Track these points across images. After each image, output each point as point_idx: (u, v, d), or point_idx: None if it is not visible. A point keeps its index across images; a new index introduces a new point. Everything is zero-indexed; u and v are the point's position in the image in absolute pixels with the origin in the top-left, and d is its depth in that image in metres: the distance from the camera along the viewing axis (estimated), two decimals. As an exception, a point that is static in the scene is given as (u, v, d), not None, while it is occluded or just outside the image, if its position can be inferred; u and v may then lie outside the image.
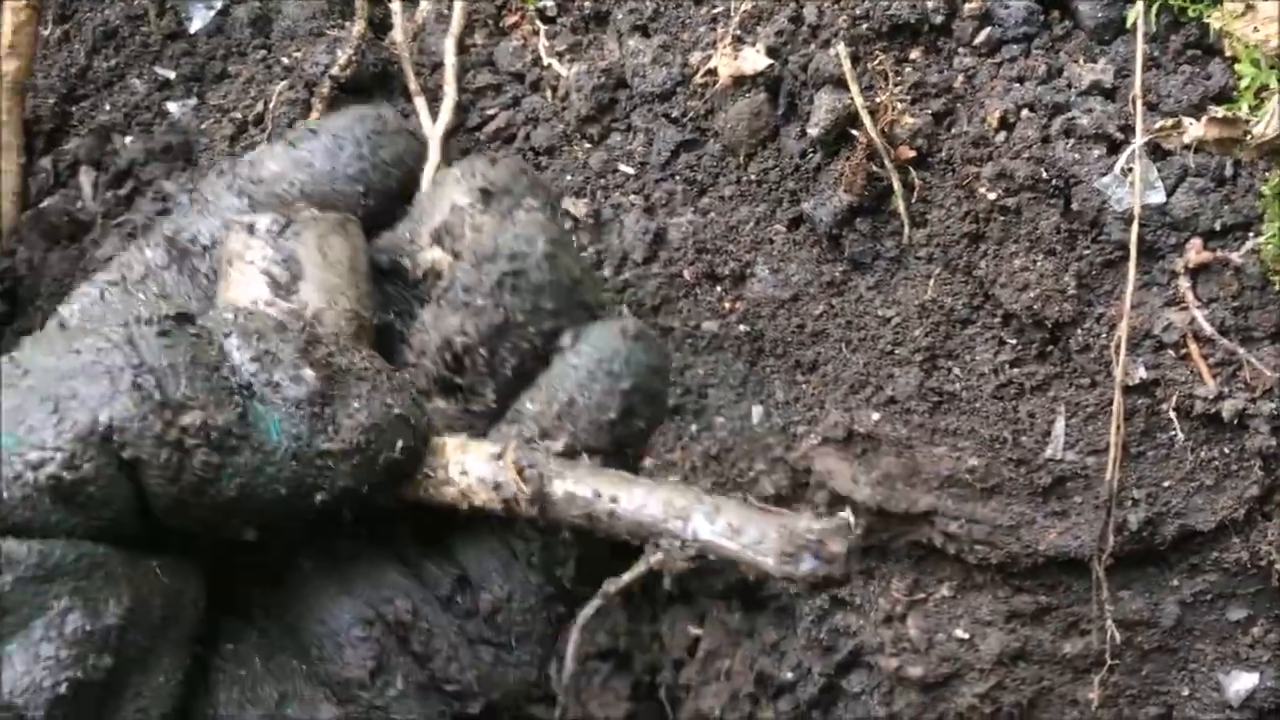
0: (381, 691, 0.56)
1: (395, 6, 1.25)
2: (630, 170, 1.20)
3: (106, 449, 0.47)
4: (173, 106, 1.30)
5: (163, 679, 0.51)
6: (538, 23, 1.25)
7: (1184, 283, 1.05)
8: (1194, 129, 1.02)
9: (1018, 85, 1.08)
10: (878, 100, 1.09)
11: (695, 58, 1.17)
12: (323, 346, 0.52)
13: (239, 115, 1.27)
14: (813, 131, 1.12)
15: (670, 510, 0.51)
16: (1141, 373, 1.07)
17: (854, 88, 1.09)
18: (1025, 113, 1.07)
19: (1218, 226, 1.04)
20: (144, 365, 0.48)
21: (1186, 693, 1.17)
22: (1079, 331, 1.09)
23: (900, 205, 1.11)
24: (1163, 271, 1.06)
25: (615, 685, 1.36)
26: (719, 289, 1.19)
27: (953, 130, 1.10)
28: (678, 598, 1.31)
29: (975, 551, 1.15)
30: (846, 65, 1.08)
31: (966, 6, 1.10)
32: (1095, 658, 1.15)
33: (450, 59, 1.24)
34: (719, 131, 1.16)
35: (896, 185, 1.11)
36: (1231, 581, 1.13)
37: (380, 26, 1.29)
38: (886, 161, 1.10)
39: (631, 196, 1.20)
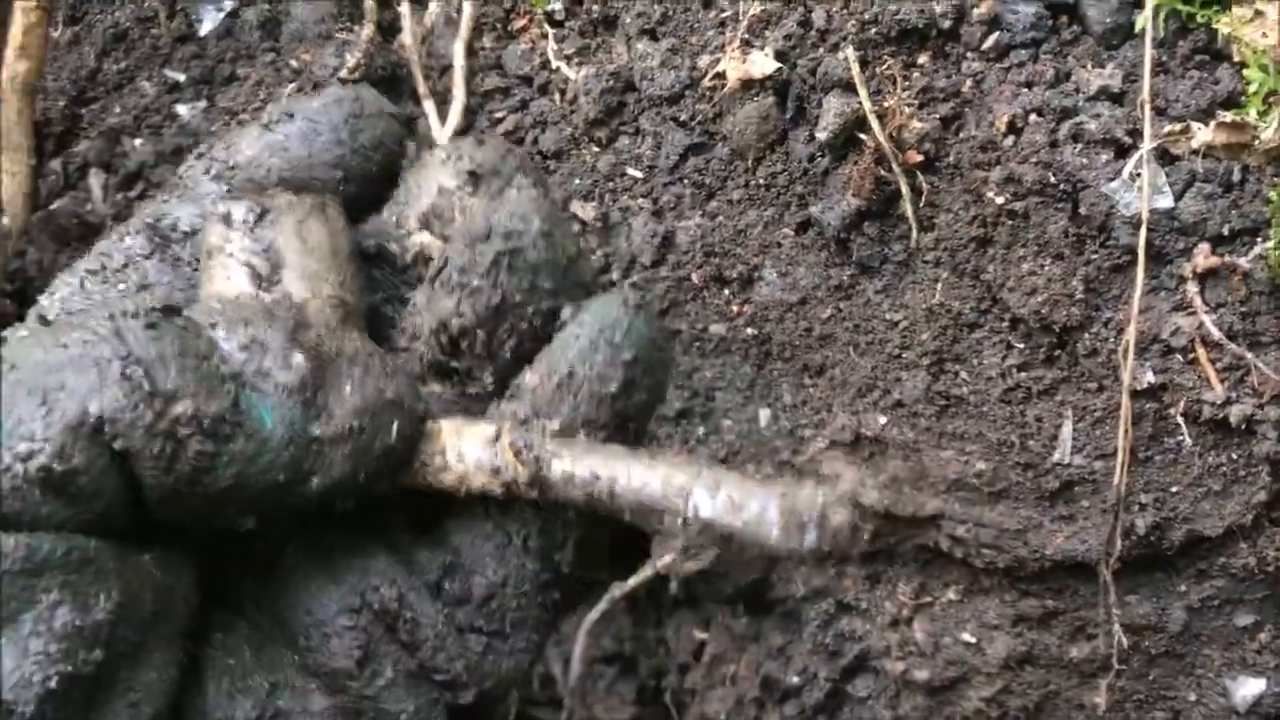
0: (370, 681, 0.56)
1: (404, 10, 1.26)
2: (638, 173, 1.21)
3: (97, 440, 0.46)
4: (182, 109, 1.30)
5: (154, 673, 0.50)
6: (546, 26, 1.25)
7: (1192, 287, 1.05)
8: (1202, 134, 1.03)
9: (1026, 90, 1.08)
10: (886, 104, 1.09)
11: (703, 61, 1.17)
12: (311, 332, 0.52)
13: (248, 118, 1.27)
14: (821, 135, 1.12)
15: (670, 488, 0.50)
16: (1149, 377, 1.07)
17: (862, 92, 1.09)
18: (1033, 117, 1.07)
19: (1226, 231, 1.04)
20: (131, 356, 0.47)
21: (1193, 698, 1.17)
22: (1087, 336, 1.09)
23: (908, 209, 1.12)
24: (1170, 276, 1.06)
25: (621, 689, 1.36)
26: (727, 292, 1.19)
27: (961, 135, 1.10)
28: (683, 602, 1.31)
29: (982, 555, 1.15)
30: (855, 69, 1.09)
31: (975, 11, 1.10)
32: (1102, 662, 1.15)
33: (459, 62, 1.25)
34: (727, 135, 1.17)
35: (904, 189, 1.11)
36: (1239, 587, 1.13)
37: (389, 30, 1.29)
38: (894, 166, 1.10)
39: (640, 200, 1.20)
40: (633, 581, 1.22)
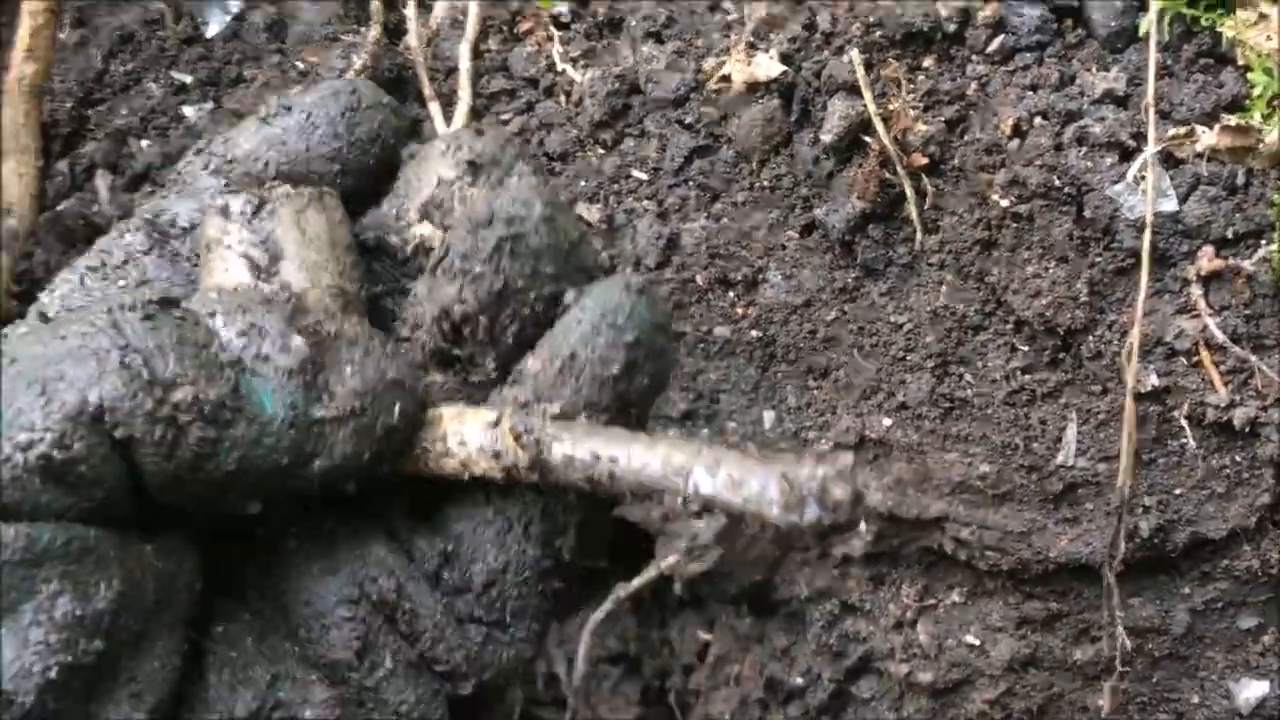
0: (370, 672, 0.55)
1: (410, 12, 1.26)
2: (643, 176, 1.21)
3: (97, 428, 0.47)
4: (189, 110, 1.30)
5: (157, 662, 0.50)
6: (552, 29, 1.26)
7: (1196, 290, 1.05)
8: (1206, 137, 1.03)
9: (1030, 93, 1.09)
10: (891, 107, 1.10)
11: (709, 64, 1.17)
12: (310, 316, 0.52)
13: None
14: (826, 138, 1.12)
15: (670, 467, 0.50)
16: (1153, 380, 1.07)
17: (867, 95, 1.09)
18: (1038, 120, 1.07)
19: (1230, 234, 1.04)
20: (129, 346, 0.47)
21: (1196, 700, 1.17)
22: (1091, 338, 1.09)
23: (913, 212, 1.12)
24: (1175, 279, 1.06)
25: (625, 690, 1.36)
26: (731, 294, 1.19)
27: (965, 137, 1.10)
28: (688, 603, 1.32)
29: (986, 558, 1.15)
30: (860, 72, 1.09)
31: (980, 15, 1.10)
32: (1106, 665, 1.15)
33: (465, 64, 1.25)
34: (732, 137, 1.17)
35: (909, 192, 1.11)
36: (1242, 589, 1.13)
37: (395, 32, 1.30)
38: (899, 168, 1.10)
39: (645, 202, 1.21)
40: (637, 582, 1.22)
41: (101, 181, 1.30)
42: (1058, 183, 1.06)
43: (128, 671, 0.49)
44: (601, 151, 1.23)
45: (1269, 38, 1.02)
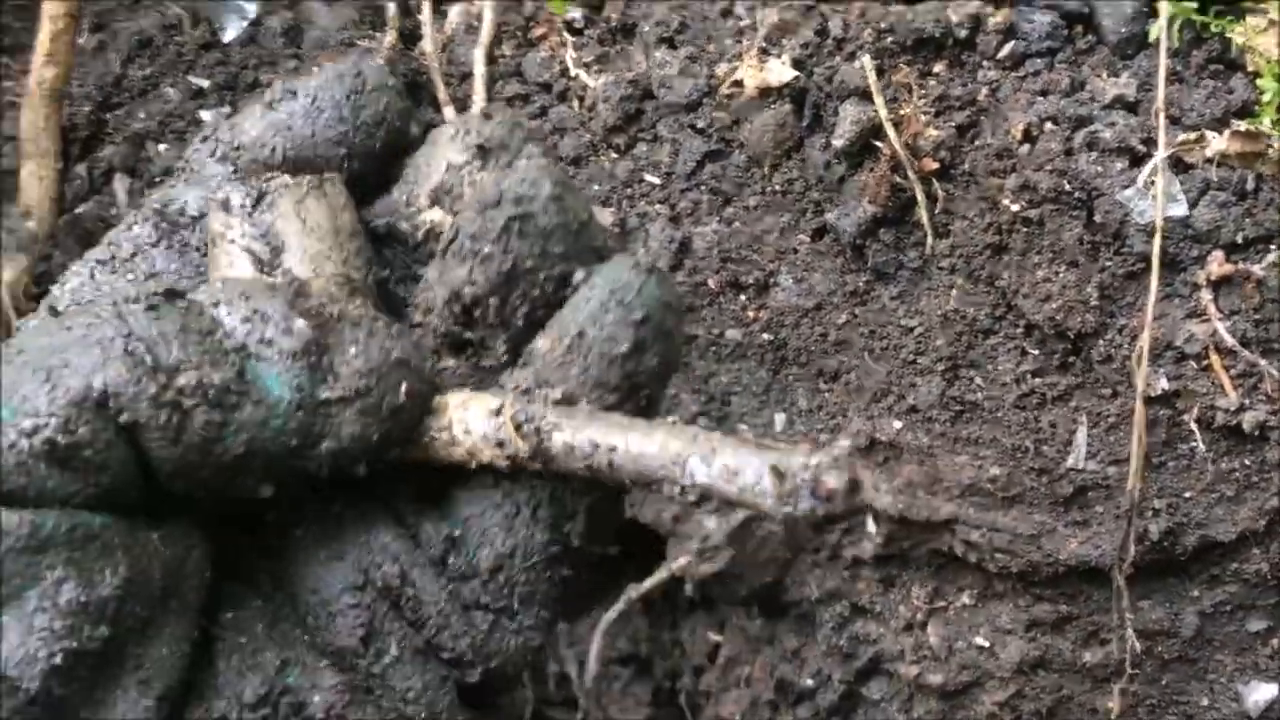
0: (377, 659, 0.55)
1: (425, 17, 1.27)
2: (656, 180, 1.22)
3: (102, 414, 0.47)
4: (206, 115, 1.31)
5: (165, 649, 0.50)
6: (565, 34, 1.27)
7: (1206, 295, 1.05)
8: (1216, 143, 1.04)
9: (1041, 98, 1.09)
10: (902, 112, 1.10)
11: (721, 69, 1.18)
12: (312, 300, 0.52)
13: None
14: (837, 143, 1.13)
15: (666, 456, 0.50)
16: (1163, 384, 1.07)
17: (879, 100, 1.10)
18: (1048, 125, 1.08)
19: (1239, 239, 1.04)
20: (134, 335, 0.48)
21: (1206, 703, 1.17)
22: (1101, 342, 1.10)
23: (923, 216, 1.13)
24: (1185, 283, 1.07)
25: (636, 691, 1.37)
26: (743, 298, 1.20)
27: (976, 142, 1.11)
28: (698, 604, 1.32)
29: (996, 560, 1.16)
30: (871, 77, 1.10)
31: (990, 21, 1.11)
32: (1115, 667, 1.16)
33: (479, 69, 1.26)
34: (744, 142, 1.18)
35: (920, 196, 1.12)
36: (1251, 593, 1.14)
37: (410, 37, 1.31)
38: (910, 173, 1.11)
39: (657, 206, 1.22)
40: (649, 583, 1.23)
41: (120, 185, 1.31)
42: (1068, 187, 1.07)
43: (135, 658, 0.49)
44: (614, 156, 1.23)
45: (1279, 44, 1.03)
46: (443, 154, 0.60)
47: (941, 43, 1.12)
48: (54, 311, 0.56)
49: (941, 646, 1.21)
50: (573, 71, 1.25)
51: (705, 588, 1.27)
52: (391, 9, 1.30)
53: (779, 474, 0.47)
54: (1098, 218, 1.07)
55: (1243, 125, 1.03)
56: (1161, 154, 1.03)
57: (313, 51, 1.33)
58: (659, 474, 0.50)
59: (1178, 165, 1.05)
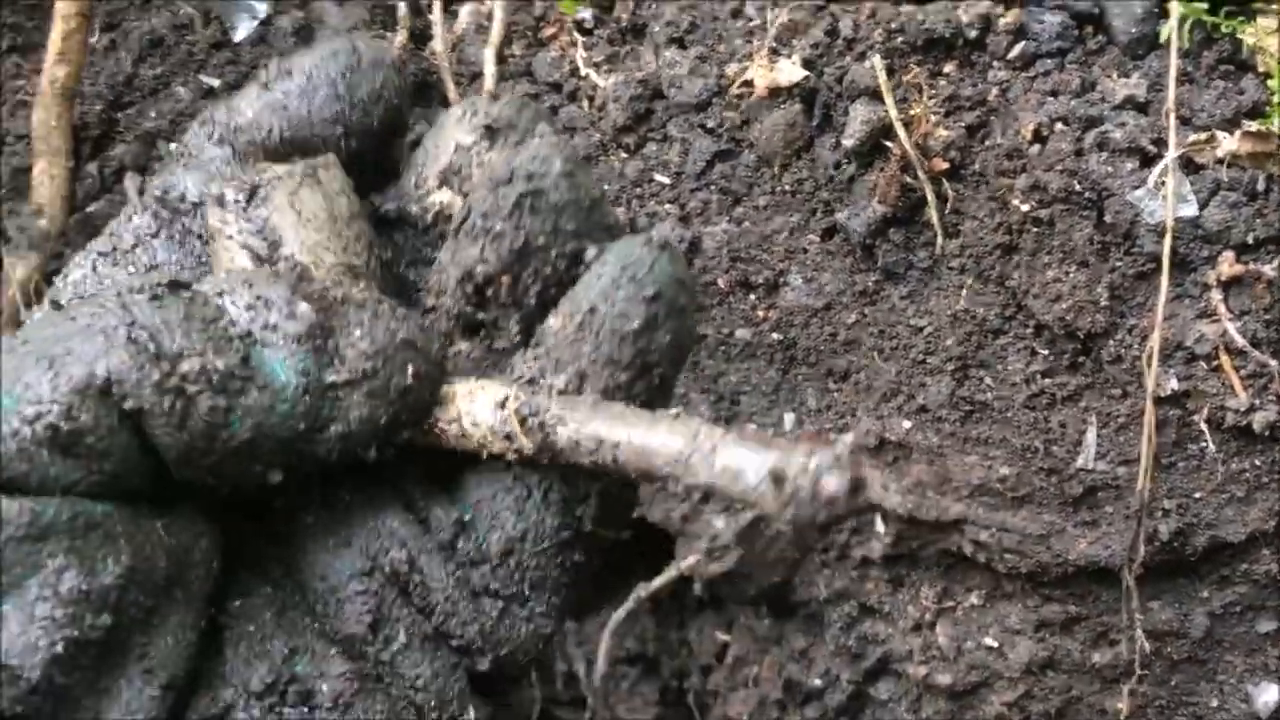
0: (385, 646, 0.55)
1: (435, 17, 1.28)
2: (666, 180, 1.22)
3: (105, 401, 0.47)
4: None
5: (171, 639, 0.50)
6: (575, 34, 1.27)
7: (1216, 295, 1.05)
8: (1227, 143, 1.04)
9: (1051, 99, 1.09)
10: (912, 112, 1.10)
11: (731, 69, 1.18)
12: (315, 283, 0.52)
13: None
14: (847, 143, 1.13)
15: (669, 454, 0.49)
16: (1173, 384, 1.07)
17: (889, 100, 1.10)
18: (1059, 126, 1.08)
19: (1250, 240, 1.04)
20: (137, 323, 0.48)
21: (1215, 704, 1.17)
22: (1111, 342, 1.10)
23: (933, 216, 1.13)
24: (1195, 284, 1.07)
25: (643, 690, 1.37)
26: (753, 297, 1.20)
27: (986, 143, 1.11)
28: (706, 604, 1.32)
29: (1005, 560, 1.16)
30: (882, 77, 1.10)
31: (1001, 21, 1.11)
32: (1124, 668, 1.16)
33: (489, 69, 1.26)
34: (754, 142, 1.18)
35: (930, 196, 1.12)
36: (1261, 594, 1.14)
37: (420, 37, 1.31)
38: (920, 173, 1.11)
39: (667, 205, 1.22)
40: (657, 582, 1.22)
41: (131, 183, 1.32)
42: (1078, 188, 1.07)
43: (140, 648, 0.49)
44: (624, 156, 1.24)
45: (1290, 44, 1.03)
46: (451, 135, 0.60)
47: (952, 43, 1.12)
48: (56, 305, 0.56)
49: (950, 647, 1.21)
50: (583, 71, 1.25)
51: (713, 587, 1.27)
52: (402, 8, 1.30)
53: (778, 478, 0.46)
54: (1108, 218, 1.07)
55: (1254, 126, 1.03)
56: (1172, 154, 1.03)
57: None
58: (662, 471, 0.50)
59: (1188, 166, 1.05)
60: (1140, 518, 1.09)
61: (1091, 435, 1.12)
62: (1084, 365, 1.12)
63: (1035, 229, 1.09)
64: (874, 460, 1.19)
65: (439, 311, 0.57)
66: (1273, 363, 1.04)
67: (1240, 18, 1.06)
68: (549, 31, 1.29)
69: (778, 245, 1.19)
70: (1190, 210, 1.05)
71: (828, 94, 1.15)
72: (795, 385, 1.22)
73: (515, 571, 0.56)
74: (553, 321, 0.55)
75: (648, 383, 0.54)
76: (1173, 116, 1.04)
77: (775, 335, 1.20)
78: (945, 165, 1.11)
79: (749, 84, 1.16)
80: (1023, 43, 1.11)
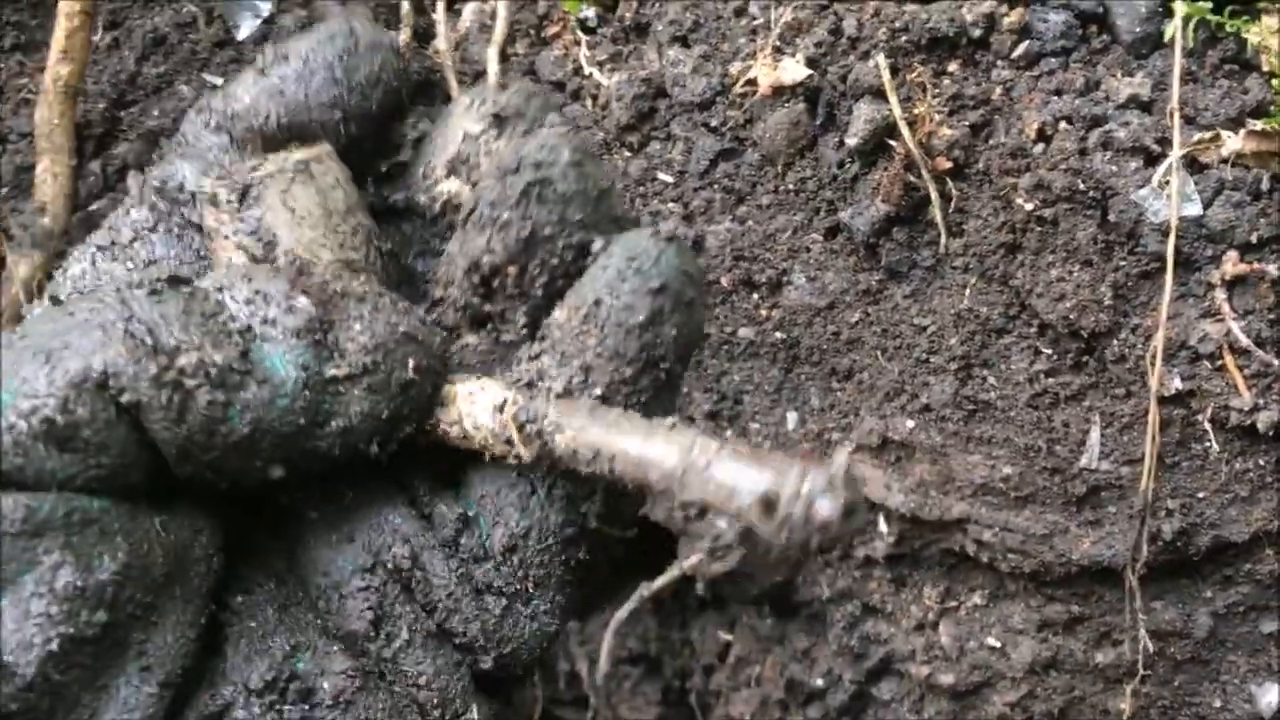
0: (388, 643, 0.55)
1: (439, 16, 1.27)
2: (669, 178, 1.22)
3: (102, 395, 0.47)
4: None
5: (170, 636, 0.50)
6: (579, 33, 1.27)
7: (1220, 294, 1.05)
8: (1231, 142, 1.03)
9: (1055, 98, 1.09)
10: (916, 111, 1.10)
11: (735, 68, 1.18)
12: (315, 276, 0.51)
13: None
14: (851, 141, 1.13)
15: (663, 470, 0.49)
16: (1177, 383, 1.07)
17: (892, 99, 1.10)
18: (1063, 125, 1.08)
19: (1254, 239, 1.04)
20: (135, 318, 0.48)
21: (1218, 704, 1.17)
22: (1115, 342, 1.09)
23: (937, 215, 1.13)
24: (1199, 283, 1.07)
25: (646, 690, 1.37)
26: (756, 296, 1.20)
27: (990, 142, 1.11)
28: (709, 603, 1.32)
29: (1008, 560, 1.16)
30: (886, 76, 1.10)
31: (1005, 20, 1.11)
32: (1127, 668, 1.16)
33: (492, 68, 1.26)
34: (757, 141, 1.18)
35: (934, 195, 1.12)
36: (1264, 594, 1.14)
37: (424, 35, 1.31)
38: (924, 172, 1.11)
39: (670, 204, 1.22)
40: (660, 581, 1.23)
41: (134, 182, 1.31)
42: (1082, 187, 1.06)
43: (138, 645, 0.49)
44: (628, 154, 1.24)
45: (1294, 44, 1.03)
46: (459, 124, 0.59)
47: (956, 42, 1.12)
48: (55, 300, 0.56)
49: (953, 646, 1.21)
50: (586, 70, 1.25)
51: (716, 587, 1.27)
52: (406, 7, 1.30)
53: (769, 504, 0.46)
54: (1112, 217, 1.07)
55: (1258, 125, 1.03)
56: (1176, 153, 1.03)
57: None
58: (658, 486, 0.49)
59: (1192, 165, 1.05)
60: (1144, 517, 1.09)
61: (1095, 435, 1.12)
62: (1087, 365, 1.12)
63: (1039, 228, 1.09)
64: (876, 460, 1.19)
65: (446, 303, 0.57)
66: (1277, 362, 1.04)
67: (1244, 17, 1.06)
68: (552, 30, 1.29)
69: (781, 244, 1.19)
70: (1194, 209, 1.05)
71: (831, 93, 1.15)
72: (798, 384, 1.22)
73: (519, 569, 0.56)
74: (558, 314, 0.54)
75: (654, 377, 0.54)
76: (1177, 116, 1.04)
77: (778, 334, 1.20)
78: (949, 164, 1.11)
79: (753, 83, 1.16)
80: (1027, 42, 1.11)
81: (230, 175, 0.55)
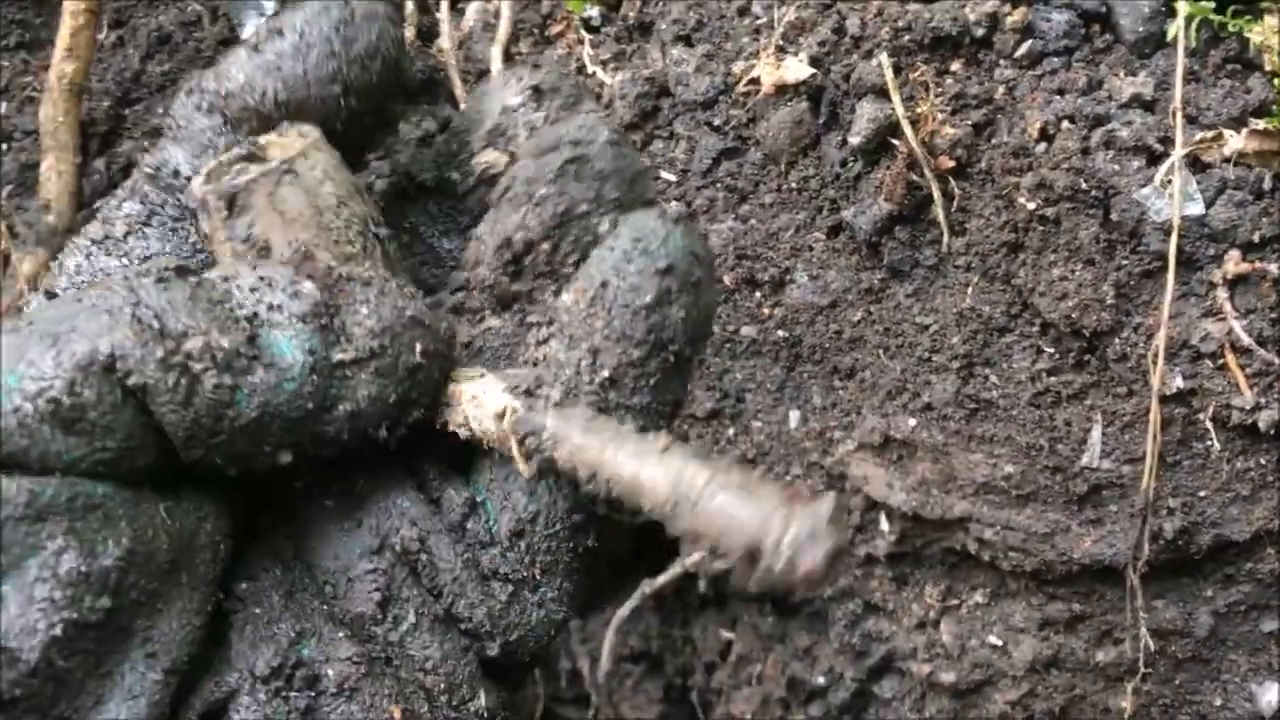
0: (394, 626, 0.54)
1: (443, 15, 1.28)
2: (672, 177, 1.22)
3: (108, 377, 0.47)
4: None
5: (175, 623, 0.50)
6: (582, 32, 1.27)
7: (1222, 293, 1.05)
8: (1233, 142, 1.04)
9: (1058, 97, 1.09)
10: (919, 110, 1.11)
11: (738, 67, 1.18)
12: (319, 262, 0.51)
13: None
14: (854, 140, 1.13)
15: (655, 500, 0.49)
16: (1179, 382, 1.07)
17: (895, 98, 1.10)
18: (1065, 124, 1.08)
19: (1256, 238, 1.04)
20: (142, 304, 0.48)
21: (1219, 703, 1.17)
22: (1117, 341, 1.10)
23: (939, 214, 1.13)
24: (1201, 282, 1.07)
25: (647, 688, 1.37)
26: (758, 295, 1.21)
27: (993, 141, 1.11)
28: (710, 601, 1.32)
29: (1009, 558, 1.16)
30: (889, 75, 1.10)
31: (1008, 19, 1.11)
32: (1128, 666, 1.16)
33: (496, 67, 1.27)
34: (760, 139, 1.18)
35: (936, 194, 1.12)
36: (1265, 593, 1.14)
37: (428, 34, 1.31)
38: (926, 171, 1.11)
39: (673, 203, 1.22)
40: (662, 579, 1.22)
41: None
42: (1084, 186, 1.07)
43: (142, 631, 0.49)
44: (631, 153, 1.24)
45: (1296, 44, 1.03)
46: (497, 99, 0.59)
47: (959, 41, 1.12)
48: (50, 295, 0.55)
49: (954, 645, 1.21)
50: (590, 69, 1.26)
51: (718, 585, 1.27)
52: (410, 6, 1.30)
53: (754, 556, 0.46)
54: (1114, 216, 1.07)
55: (1260, 124, 1.03)
56: (1178, 153, 1.03)
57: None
58: (653, 514, 0.50)
59: (1195, 164, 1.05)
60: (1145, 516, 1.09)
61: (1096, 433, 1.12)
62: (1089, 363, 1.12)
63: (1041, 227, 1.09)
64: (878, 458, 1.19)
65: (473, 282, 0.57)
66: (1278, 361, 1.04)
67: (1247, 17, 1.06)
68: (556, 29, 1.29)
69: (783, 243, 1.19)
70: (1196, 209, 1.05)
71: (834, 92, 1.15)
72: (800, 383, 1.22)
73: (526, 554, 0.55)
74: (566, 297, 0.54)
75: (662, 360, 0.53)
76: (1179, 115, 1.04)
77: (781, 332, 1.20)
78: (951, 163, 1.11)
79: (756, 82, 1.16)
80: (1030, 41, 1.11)
81: (219, 181, 0.54)
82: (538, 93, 0.58)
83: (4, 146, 1.33)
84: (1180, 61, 1.05)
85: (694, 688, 1.34)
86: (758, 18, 1.20)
